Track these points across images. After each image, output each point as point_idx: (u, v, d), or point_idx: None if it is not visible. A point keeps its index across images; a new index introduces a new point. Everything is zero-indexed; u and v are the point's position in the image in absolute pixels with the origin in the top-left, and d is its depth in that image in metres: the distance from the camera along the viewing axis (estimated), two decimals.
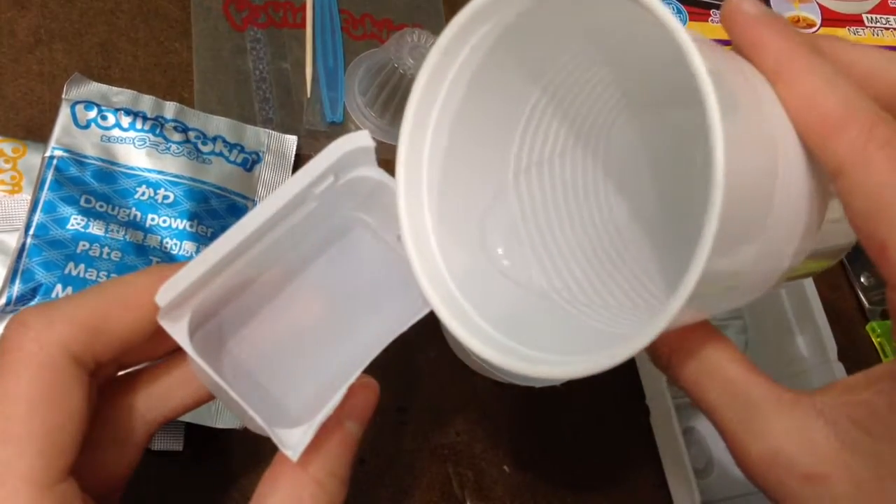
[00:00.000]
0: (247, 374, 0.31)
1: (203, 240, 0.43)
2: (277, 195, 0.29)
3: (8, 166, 0.43)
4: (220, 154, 0.46)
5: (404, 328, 0.32)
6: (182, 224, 0.43)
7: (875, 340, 0.58)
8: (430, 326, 0.50)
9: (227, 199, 0.45)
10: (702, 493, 0.45)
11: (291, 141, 0.49)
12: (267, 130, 0.49)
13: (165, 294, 0.27)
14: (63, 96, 0.45)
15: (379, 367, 0.50)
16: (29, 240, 0.41)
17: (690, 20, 0.53)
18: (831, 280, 0.60)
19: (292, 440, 0.27)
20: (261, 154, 0.48)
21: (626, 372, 0.52)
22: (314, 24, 0.54)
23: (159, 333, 0.27)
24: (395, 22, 0.56)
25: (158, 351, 0.29)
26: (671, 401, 0.47)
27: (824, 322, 0.50)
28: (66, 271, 0.40)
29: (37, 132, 0.45)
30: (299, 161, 0.50)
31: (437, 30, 0.57)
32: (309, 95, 0.52)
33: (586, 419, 0.50)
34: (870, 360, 0.58)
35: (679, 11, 0.53)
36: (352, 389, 0.28)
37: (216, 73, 0.51)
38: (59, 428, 0.25)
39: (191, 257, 0.42)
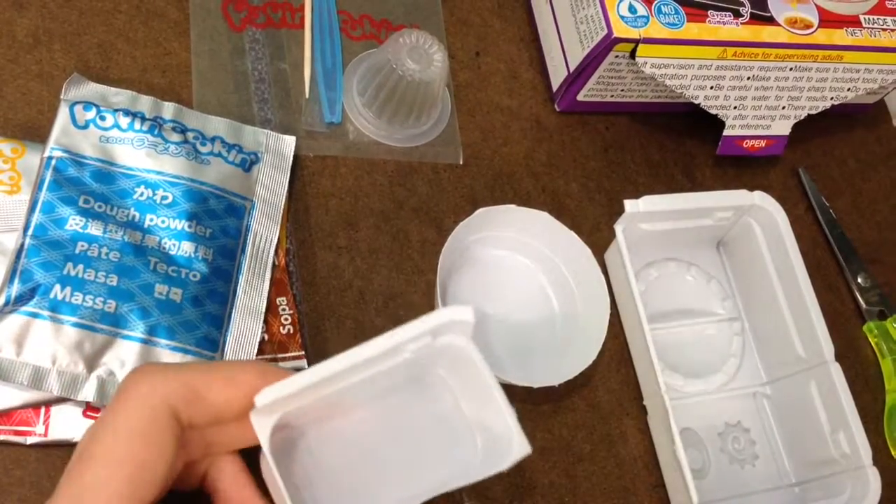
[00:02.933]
0: (307, 484, 0.35)
1: (202, 240, 0.44)
2: (380, 341, 0.33)
3: (6, 167, 0.43)
4: (219, 154, 0.47)
5: (447, 489, 0.35)
6: (181, 224, 0.43)
7: (872, 341, 0.59)
8: None
9: (225, 200, 0.45)
10: (699, 493, 0.45)
11: (290, 141, 0.49)
12: (265, 131, 0.49)
13: (265, 396, 0.31)
14: (62, 97, 0.45)
15: None
16: (27, 240, 0.41)
17: (688, 21, 0.53)
18: (828, 281, 0.60)
19: None
20: (259, 154, 0.48)
21: (625, 372, 0.52)
22: (313, 25, 0.54)
23: (242, 423, 0.31)
24: (393, 22, 0.57)
25: (236, 441, 0.33)
26: (668, 402, 0.47)
27: (821, 323, 0.50)
28: (65, 272, 0.40)
29: (35, 132, 0.45)
30: (297, 161, 0.50)
31: (435, 30, 0.57)
32: (307, 96, 0.52)
33: (584, 419, 0.50)
34: (867, 360, 0.58)
35: (676, 12, 0.53)
36: None
37: (215, 74, 0.51)
38: (150, 463, 0.29)
39: (189, 258, 0.42)
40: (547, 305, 0.52)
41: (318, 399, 0.34)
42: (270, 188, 0.48)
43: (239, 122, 0.49)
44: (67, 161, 0.43)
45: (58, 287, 0.40)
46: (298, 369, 0.41)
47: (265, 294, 0.45)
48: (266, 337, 0.44)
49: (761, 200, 0.53)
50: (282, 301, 0.45)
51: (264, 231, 0.46)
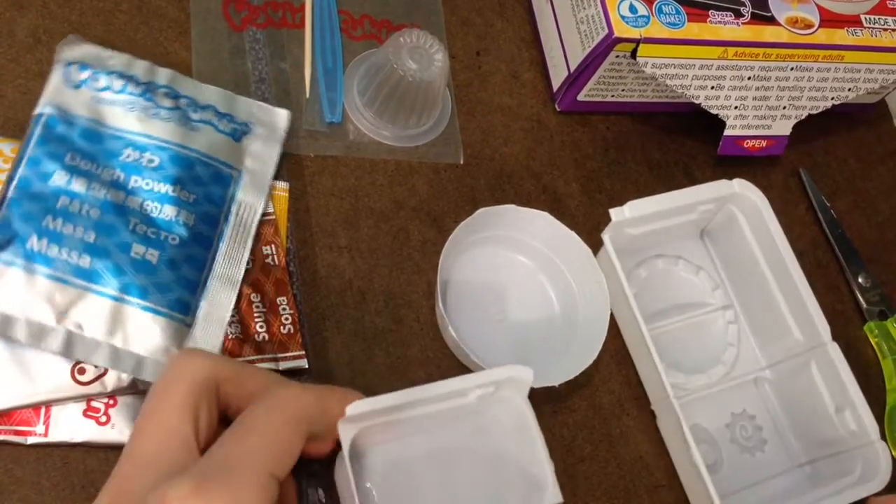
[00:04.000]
0: (371, 493, 0.41)
1: (185, 205, 0.44)
2: (453, 382, 0.40)
3: (6, 166, 0.43)
4: (210, 123, 0.47)
5: None
6: (165, 188, 0.44)
7: (872, 341, 0.59)
8: (427, 327, 0.50)
9: (212, 168, 0.46)
10: (716, 487, 0.45)
11: (283, 114, 0.49)
12: (259, 102, 0.49)
13: (355, 408, 0.37)
14: (56, 56, 0.45)
15: (378, 367, 0.50)
16: (10, 192, 0.41)
17: (689, 21, 0.53)
18: (829, 281, 0.60)
19: None
20: (251, 125, 0.48)
21: (625, 373, 0.52)
22: (313, 25, 0.54)
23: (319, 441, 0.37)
24: (394, 22, 0.56)
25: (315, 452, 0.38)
26: (677, 406, 0.47)
27: (814, 303, 0.51)
28: (44, 224, 0.41)
29: None
30: (298, 161, 0.50)
31: (436, 30, 0.57)
32: (308, 96, 0.52)
33: (585, 420, 0.50)
34: (867, 360, 0.58)
35: (677, 12, 0.53)
36: None
37: (215, 74, 0.51)
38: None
39: (170, 221, 0.43)
40: (547, 305, 0.52)
41: (386, 423, 0.39)
42: (260, 159, 0.48)
43: (234, 93, 0.49)
44: (57, 118, 0.43)
45: (34, 238, 0.40)
46: (300, 369, 0.44)
47: (244, 264, 0.45)
48: (267, 337, 0.44)
49: (741, 188, 0.53)
50: (282, 300, 0.45)
51: (250, 201, 0.46)
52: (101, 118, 0.44)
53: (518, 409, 0.43)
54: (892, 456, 0.49)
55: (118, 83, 0.45)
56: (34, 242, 0.40)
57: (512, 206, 0.50)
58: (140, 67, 0.46)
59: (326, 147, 0.52)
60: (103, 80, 0.45)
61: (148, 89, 0.46)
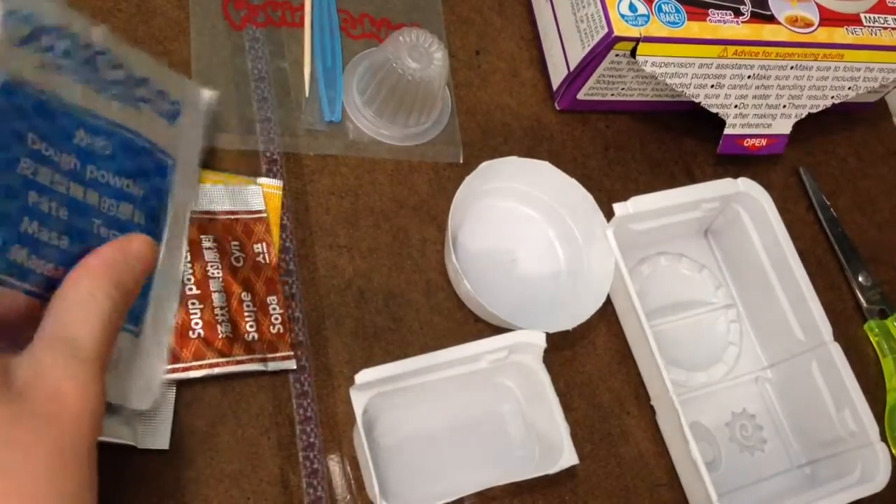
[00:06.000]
0: (384, 453, 0.42)
1: (137, 202, 0.38)
2: (465, 347, 0.42)
3: None
4: (149, 101, 0.40)
5: (502, 482, 0.41)
6: (119, 182, 0.37)
7: (873, 340, 0.59)
8: (427, 326, 0.50)
9: (155, 157, 0.39)
10: (714, 486, 0.46)
11: (206, 94, 0.44)
12: (181, 76, 0.43)
13: (364, 375, 0.39)
14: None
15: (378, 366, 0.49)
16: None
17: (689, 19, 0.53)
18: (829, 280, 0.60)
19: None
20: (180, 104, 0.42)
21: (626, 371, 0.52)
22: (313, 24, 0.54)
23: None
24: (393, 21, 0.56)
25: None
26: (677, 402, 0.47)
27: (816, 304, 0.51)
28: (23, 229, 0.32)
29: None
30: (298, 160, 0.50)
31: (435, 28, 0.57)
32: (307, 94, 0.52)
33: (585, 418, 0.50)
34: (868, 359, 0.58)
35: (677, 11, 0.53)
36: None
37: (215, 73, 0.51)
38: None
39: (127, 222, 0.37)
40: (552, 253, 0.54)
41: (399, 389, 0.40)
42: (190, 146, 0.42)
43: (161, 64, 0.41)
44: (12, 86, 0.33)
45: (17, 247, 0.32)
46: (286, 370, 0.44)
47: (183, 259, 0.41)
48: (256, 336, 0.44)
49: (746, 187, 0.53)
50: (272, 300, 0.45)
51: (184, 192, 0.41)
52: (51, 88, 0.35)
53: (532, 372, 0.43)
54: (892, 456, 0.49)
55: (61, 44, 0.35)
56: (17, 253, 0.32)
57: (514, 157, 0.51)
58: (78, 25, 0.36)
59: (326, 146, 0.51)
60: (44, 39, 0.35)
61: (90, 55, 0.37)
